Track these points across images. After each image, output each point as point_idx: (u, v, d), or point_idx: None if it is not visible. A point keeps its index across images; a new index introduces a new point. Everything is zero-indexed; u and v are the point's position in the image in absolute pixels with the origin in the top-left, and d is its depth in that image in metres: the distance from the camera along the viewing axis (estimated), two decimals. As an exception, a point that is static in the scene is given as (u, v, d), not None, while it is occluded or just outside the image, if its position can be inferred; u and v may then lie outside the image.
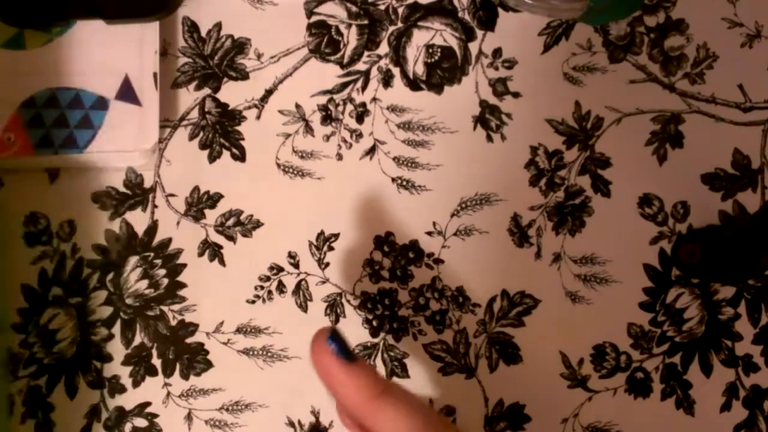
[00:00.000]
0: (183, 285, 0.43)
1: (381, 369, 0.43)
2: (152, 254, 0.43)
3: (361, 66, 0.44)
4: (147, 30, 0.42)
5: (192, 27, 0.44)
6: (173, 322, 0.42)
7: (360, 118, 0.44)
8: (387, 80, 0.44)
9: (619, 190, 0.45)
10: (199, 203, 0.43)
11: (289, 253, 0.43)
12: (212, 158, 0.44)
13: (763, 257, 0.41)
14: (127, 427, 0.42)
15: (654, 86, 0.46)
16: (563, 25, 0.45)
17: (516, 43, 0.45)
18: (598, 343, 0.44)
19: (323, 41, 0.44)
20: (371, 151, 0.44)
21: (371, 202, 0.44)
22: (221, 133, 0.44)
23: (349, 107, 0.44)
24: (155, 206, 0.43)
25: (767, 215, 0.39)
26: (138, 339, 0.42)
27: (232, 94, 0.44)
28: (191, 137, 0.44)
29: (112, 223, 0.43)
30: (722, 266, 0.43)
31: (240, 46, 0.44)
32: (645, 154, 0.45)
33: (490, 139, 0.45)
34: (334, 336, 0.31)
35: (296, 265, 0.43)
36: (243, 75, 0.44)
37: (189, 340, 0.42)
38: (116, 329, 0.42)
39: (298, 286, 0.43)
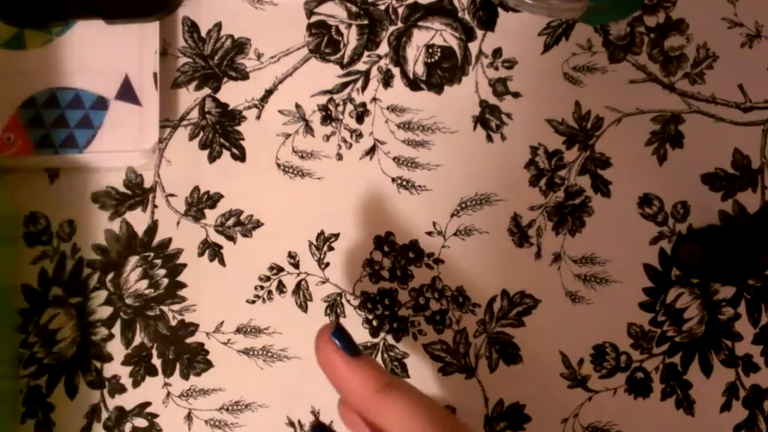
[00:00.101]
0: (183, 285, 0.43)
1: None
2: (152, 254, 0.43)
3: (361, 66, 0.44)
4: (147, 30, 0.42)
5: (192, 27, 0.44)
6: (173, 322, 0.42)
7: (360, 118, 0.44)
8: (387, 80, 0.44)
9: (619, 190, 0.45)
10: (199, 203, 0.43)
11: (289, 253, 0.43)
12: (212, 158, 0.44)
13: (763, 257, 0.41)
14: (127, 427, 0.42)
15: (654, 86, 0.46)
16: (563, 25, 0.45)
17: (516, 43, 0.45)
18: (598, 343, 0.44)
19: (323, 41, 0.44)
20: (371, 151, 0.44)
21: (371, 202, 0.44)
22: (221, 133, 0.44)
23: (349, 107, 0.44)
24: (155, 206, 0.43)
25: (767, 215, 0.39)
26: (138, 339, 0.42)
27: (232, 94, 0.44)
28: (191, 137, 0.44)
29: (112, 223, 0.43)
30: (722, 266, 0.43)
31: (240, 46, 0.44)
32: (645, 154, 0.45)
33: (490, 139, 0.45)
34: (338, 331, 0.31)
35: (296, 265, 0.43)
36: (243, 75, 0.44)
37: (189, 340, 0.42)
38: (116, 329, 0.42)
39: (298, 286, 0.43)
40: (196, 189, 0.43)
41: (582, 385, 0.44)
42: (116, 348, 0.42)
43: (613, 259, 0.44)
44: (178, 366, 0.42)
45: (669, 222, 0.45)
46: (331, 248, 0.44)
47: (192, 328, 0.43)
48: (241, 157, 0.44)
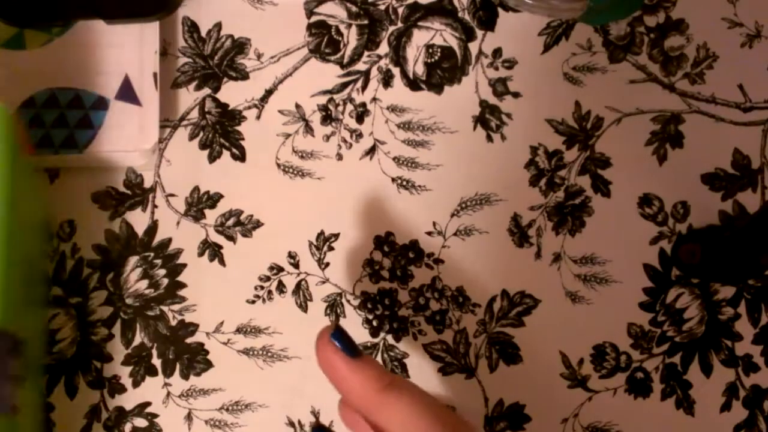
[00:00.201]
0: (183, 285, 0.43)
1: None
2: (152, 254, 0.43)
3: (361, 66, 0.44)
4: (147, 30, 0.42)
5: (192, 27, 0.44)
6: (173, 322, 0.42)
7: (360, 118, 0.44)
8: (387, 80, 0.44)
9: (619, 190, 0.45)
10: (199, 203, 0.43)
11: (289, 253, 0.43)
12: (212, 158, 0.44)
13: (763, 257, 0.41)
14: (127, 427, 0.42)
15: (654, 86, 0.46)
16: (563, 25, 0.45)
17: (516, 43, 0.45)
18: (598, 343, 0.44)
19: (323, 41, 0.44)
20: (371, 151, 0.44)
21: (371, 202, 0.44)
22: (221, 133, 0.44)
23: (349, 107, 0.44)
24: (155, 206, 0.43)
25: (767, 215, 0.39)
26: (138, 339, 0.42)
27: (232, 94, 0.44)
28: (191, 137, 0.44)
29: (112, 223, 0.43)
30: (722, 266, 0.43)
31: (240, 46, 0.44)
32: (645, 154, 0.45)
33: (490, 139, 0.45)
34: (338, 332, 0.31)
35: (296, 265, 0.43)
36: (243, 75, 0.44)
37: (189, 340, 0.42)
38: (116, 329, 0.42)
39: (298, 286, 0.43)
40: (196, 189, 0.43)
41: (582, 385, 0.44)
42: (116, 348, 0.42)
43: (613, 259, 0.44)
44: (178, 366, 0.42)
45: (669, 222, 0.45)
46: (331, 248, 0.44)
47: (192, 328, 0.43)
48: (241, 157, 0.44)
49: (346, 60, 0.44)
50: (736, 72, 0.46)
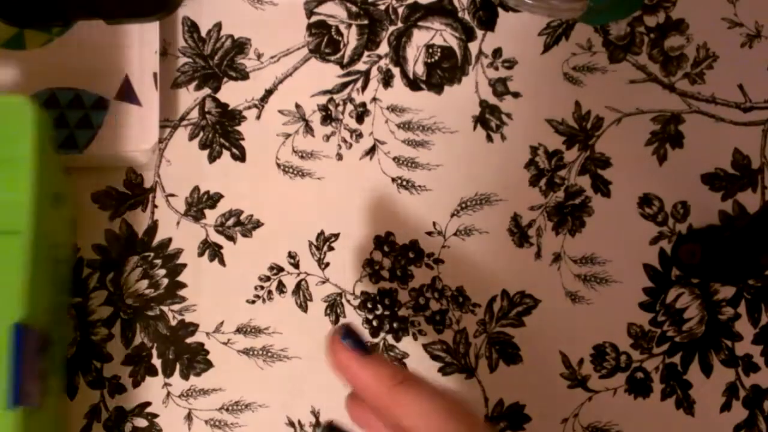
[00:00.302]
0: (183, 285, 0.43)
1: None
2: (152, 254, 0.43)
3: (361, 66, 0.44)
4: (147, 30, 0.42)
5: (192, 27, 0.44)
6: (173, 322, 0.42)
7: (360, 118, 0.44)
8: (387, 80, 0.44)
9: (619, 190, 0.45)
10: (199, 203, 0.43)
11: (289, 253, 0.43)
12: (212, 158, 0.44)
13: (763, 257, 0.41)
14: (127, 427, 0.42)
15: (654, 86, 0.46)
16: (563, 25, 0.45)
17: (516, 43, 0.45)
18: (598, 343, 0.44)
19: (323, 41, 0.44)
20: (371, 151, 0.44)
21: (371, 202, 0.44)
22: (221, 133, 0.44)
23: (349, 107, 0.44)
24: (155, 206, 0.43)
25: (767, 215, 0.39)
26: (138, 339, 0.42)
27: (232, 94, 0.44)
28: (191, 137, 0.44)
29: (112, 223, 0.43)
30: (722, 266, 0.43)
31: (240, 46, 0.44)
32: (645, 154, 0.45)
33: (490, 139, 0.45)
34: (348, 332, 0.32)
35: (296, 265, 0.43)
36: (243, 75, 0.44)
37: (189, 340, 0.42)
38: (116, 329, 0.42)
39: (298, 286, 0.43)
40: (196, 189, 0.43)
41: (582, 385, 0.44)
42: (116, 348, 0.42)
43: (613, 259, 0.44)
44: (178, 366, 0.42)
45: (669, 222, 0.45)
46: (331, 248, 0.44)
47: (192, 328, 0.43)
48: (241, 157, 0.44)
49: (346, 60, 0.44)
50: (736, 72, 0.46)
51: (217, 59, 0.44)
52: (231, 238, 0.43)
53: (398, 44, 0.45)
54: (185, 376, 0.42)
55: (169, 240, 0.43)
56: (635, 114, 0.45)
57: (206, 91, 0.44)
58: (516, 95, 0.45)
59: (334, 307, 0.43)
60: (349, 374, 0.31)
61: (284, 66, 0.44)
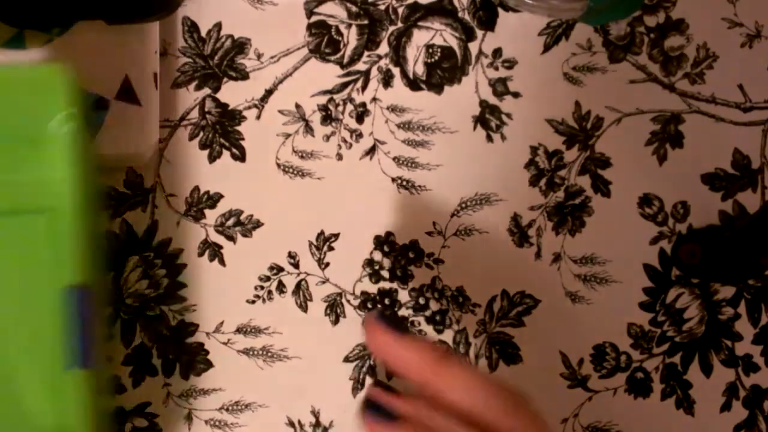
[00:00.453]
0: (183, 285, 0.43)
1: (381, 369, 0.43)
2: (152, 254, 0.43)
3: (361, 66, 0.44)
4: (147, 30, 0.42)
5: (192, 27, 0.44)
6: (173, 322, 0.42)
7: (360, 118, 0.44)
8: (387, 80, 0.44)
9: (619, 190, 0.45)
10: (199, 203, 0.43)
11: (289, 253, 0.43)
12: (212, 158, 0.44)
13: (763, 257, 0.41)
14: (127, 427, 0.42)
15: (654, 86, 0.46)
16: (563, 25, 0.45)
17: (516, 43, 0.45)
18: (598, 343, 0.44)
19: (323, 41, 0.44)
20: (371, 151, 0.44)
21: (371, 202, 0.44)
22: (221, 133, 0.44)
23: (349, 107, 0.44)
24: (155, 206, 0.43)
25: (767, 215, 0.39)
26: (138, 339, 0.42)
27: (232, 94, 0.44)
28: (191, 137, 0.44)
29: (112, 223, 0.43)
30: (722, 266, 0.43)
31: (240, 46, 0.44)
32: (645, 154, 0.45)
33: (490, 139, 0.45)
34: (382, 315, 0.32)
35: (296, 265, 0.43)
36: (243, 75, 0.44)
37: (189, 340, 0.43)
38: (116, 329, 0.42)
39: (298, 286, 0.43)
40: (196, 189, 0.43)
41: (582, 385, 0.44)
42: (116, 348, 0.42)
43: (613, 259, 0.44)
44: (178, 366, 0.42)
45: (669, 222, 0.45)
46: (331, 248, 0.44)
47: (192, 328, 0.43)
48: (241, 157, 0.44)
49: (346, 60, 0.44)
50: (736, 72, 0.46)
51: (217, 59, 0.44)
52: (231, 238, 0.43)
53: (398, 44, 0.45)
54: (185, 376, 0.42)
55: (169, 240, 0.43)
56: (635, 114, 0.45)
57: (206, 91, 0.44)
58: (516, 95, 0.45)
59: (334, 307, 0.43)
60: (391, 353, 0.31)
61: (284, 66, 0.44)
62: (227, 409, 0.42)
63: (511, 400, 0.30)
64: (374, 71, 0.44)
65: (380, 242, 0.44)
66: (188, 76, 0.44)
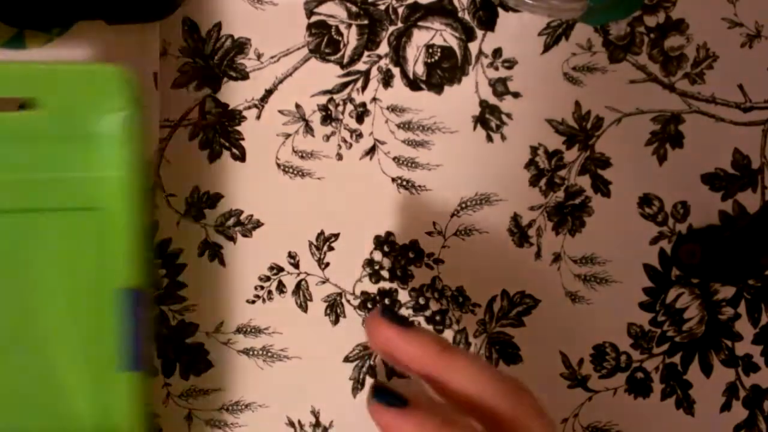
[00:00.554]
0: (183, 285, 0.43)
1: (381, 369, 0.43)
2: (152, 254, 0.43)
3: (361, 66, 0.44)
4: (147, 30, 0.42)
5: (192, 27, 0.44)
6: (173, 322, 0.42)
7: (360, 118, 0.44)
8: (387, 80, 0.44)
9: (619, 190, 0.45)
10: (199, 203, 0.43)
11: (289, 253, 0.43)
12: (212, 158, 0.44)
13: (763, 257, 0.41)
14: (127, 427, 0.42)
15: (654, 86, 0.46)
16: (563, 25, 0.45)
17: (516, 43, 0.45)
18: (598, 343, 0.44)
19: (323, 41, 0.44)
20: (371, 151, 0.44)
21: (371, 202, 0.44)
22: (221, 133, 0.44)
23: (349, 107, 0.44)
24: (155, 206, 0.43)
25: (767, 215, 0.39)
26: (138, 339, 0.42)
27: (232, 94, 0.44)
28: (191, 137, 0.44)
29: (112, 223, 0.43)
30: (722, 266, 0.43)
31: (240, 46, 0.44)
32: (645, 154, 0.45)
33: (490, 139, 0.45)
34: (385, 310, 0.32)
35: (296, 265, 0.43)
36: (243, 75, 0.44)
37: (189, 340, 0.43)
38: (116, 329, 0.42)
39: (298, 286, 0.43)
40: (196, 189, 0.43)
41: (582, 385, 0.44)
42: (116, 348, 0.42)
43: (613, 259, 0.44)
44: (178, 366, 0.42)
45: (669, 222, 0.45)
46: (331, 248, 0.44)
47: (192, 328, 0.43)
48: (241, 157, 0.44)
49: (346, 60, 0.44)
50: (736, 72, 0.46)
51: (217, 59, 0.44)
52: (231, 238, 0.43)
53: (398, 44, 0.45)
54: (185, 376, 0.42)
55: (169, 240, 0.43)
56: (635, 114, 0.45)
57: (206, 91, 0.44)
58: (516, 95, 0.45)
59: (334, 307, 0.43)
60: (395, 348, 0.31)
61: (284, 66, 0.44)
62: (227, 409, 0.42)
63: (516, 389, 0.31)
64: (374, 71, 0.44)
65: (380, 242, 0.44)
66: (188, 76, 0.44)
